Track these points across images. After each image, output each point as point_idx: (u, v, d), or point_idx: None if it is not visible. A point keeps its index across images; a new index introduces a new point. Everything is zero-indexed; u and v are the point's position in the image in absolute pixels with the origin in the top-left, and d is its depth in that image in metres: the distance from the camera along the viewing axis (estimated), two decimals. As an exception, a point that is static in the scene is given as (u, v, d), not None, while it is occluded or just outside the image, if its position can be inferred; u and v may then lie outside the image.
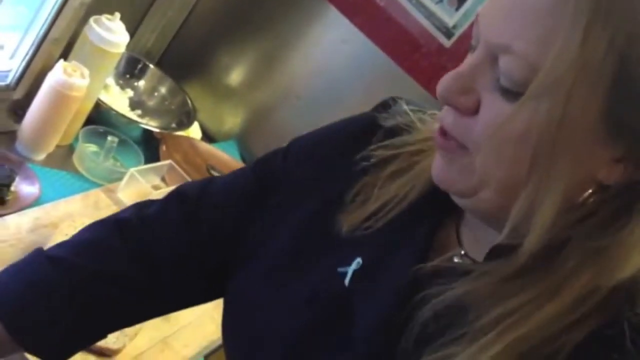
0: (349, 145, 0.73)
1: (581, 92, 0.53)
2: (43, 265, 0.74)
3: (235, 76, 1.92)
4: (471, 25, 1.59)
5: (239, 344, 0.75)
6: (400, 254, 0.66)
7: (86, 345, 0.79)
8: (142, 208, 0.81)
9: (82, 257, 0.75)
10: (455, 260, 0.66)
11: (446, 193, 0.63)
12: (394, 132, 0.72)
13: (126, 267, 0.76)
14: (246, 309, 0.74)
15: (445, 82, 0.59)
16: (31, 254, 0.77)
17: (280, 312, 0.71)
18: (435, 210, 0.68)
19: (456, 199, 0.63)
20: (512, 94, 0.55)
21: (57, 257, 0.75)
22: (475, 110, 0.58)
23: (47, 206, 1.26)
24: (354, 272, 0.67)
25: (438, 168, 0.62)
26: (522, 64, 0.54)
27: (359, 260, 0.67)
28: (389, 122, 0.73)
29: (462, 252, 0.66)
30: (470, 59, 0.59)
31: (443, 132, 0.60)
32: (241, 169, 0.84)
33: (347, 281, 0.67)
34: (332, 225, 0.70)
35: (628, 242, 0.56)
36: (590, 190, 0.58)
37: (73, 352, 0.77)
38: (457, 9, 1.60)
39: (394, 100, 0.76)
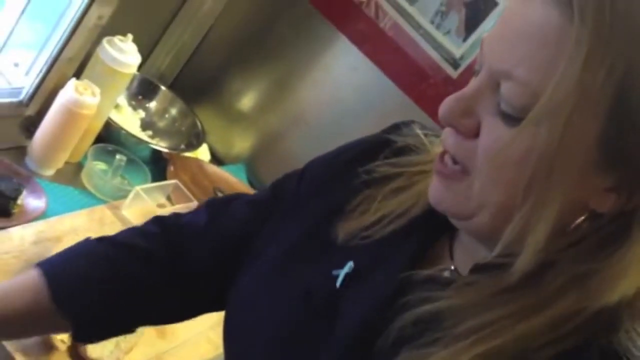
0: (357, 160, 0.77)
1: (579, 119, 0.55)
2: (91, 242, 0.85)
3: (246, 101, 1.95)
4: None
5: (234, 340, 0.79)
6: (392, 262, 0.69)
7: (111, 333, 0.87)
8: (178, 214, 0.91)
9: (124, 236, 0.86)
10: (445, 274, 0.68)
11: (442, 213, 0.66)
12: (402, 151, 0.76)
13: (163, 251, 0.84)
14: (243, 305, 0.78)
15: (447, 104, 0.61)
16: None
17: (273, 308, 0.75)
18: (431, 227, 0.70)
19: (452, 221, 0.65)
20: (512, 119, 0.57)
21: (103, 237, 0.86)
22: (475, 133, 0.60)
23: (52, 220, 1.28)
24: (346, 275, 0.71)
25: (435, 191, 0.64)
26: (523, 90, 0.56)
27: (351, 264, 0.71)
28: (399, 142, 0.76)
29: (452, 267, 0.68)
30: (473, 83, 0.61)
31: (442, 157, 0.63)
32: (264, 188, 0.90)
33: (338, 283, 0.71)
34: (331, 232, 0.74)
35: (616, 268, 0.58)
36: (582, 217, 0.59)
37: (98, 334, 0.84)
38: (464, 40, 1.62)
39: (406, 123, 0.80)
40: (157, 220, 0.88)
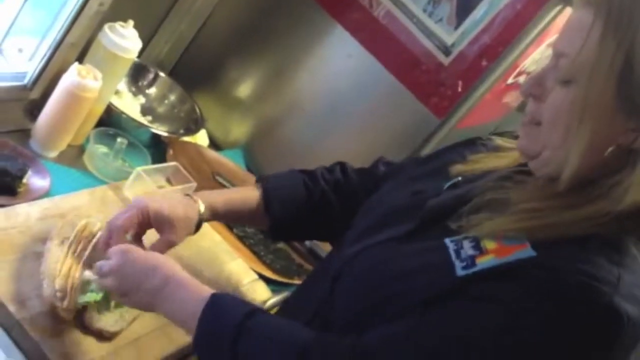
0: (463, 143, 1.19)
1: (599, 79, 0.83)
2: (295, 172, 1.38)
3: (244, 88, 2.00)
4: (469, 44, 1.66)
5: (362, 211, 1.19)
6: (484, 178, 1.01)
7: (294, 237, 1.59)
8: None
9: (319, 171, 1.36)
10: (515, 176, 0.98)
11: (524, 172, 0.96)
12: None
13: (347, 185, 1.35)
14: (381, 191, 1.23)
15: (526, 81, 0.93)
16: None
17: (392, 195, 1.16)
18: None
19: (530, 163, 0.94)
20: (564, 82, 0.87)
21: (304, 169, 1.38)
22: (544, 97, 0.90)
23: (56, 198, 1.32)
24: (453, 182, 1.06)
25: (520, 139, 0.96)
26: (569, 62, 0.86)
27: (459, 178, 1.06)
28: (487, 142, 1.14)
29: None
30: (546, 64, 0.91)
31: (527, 115, 0.93)
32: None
33: (445, 187, 1.06)
34: (452, 171, 1.09)
35: (634, 180, 0.84)
36: (611, 148, 0.86)
37: (290, 235, 1.45)
38: (455, 28, 1.67)
39: (480, 138, 1.16)
40: (340, 165, 1.38)
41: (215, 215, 1.27)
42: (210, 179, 1.79)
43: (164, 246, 1.17)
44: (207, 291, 1.01)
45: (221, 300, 1.00)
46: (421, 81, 1.74)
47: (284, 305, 1.35)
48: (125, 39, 1.50)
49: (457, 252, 0.90)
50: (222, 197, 1.29)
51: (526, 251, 0.86)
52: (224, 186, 1.77)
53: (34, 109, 1.51)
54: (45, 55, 1.48)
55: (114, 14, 1.51)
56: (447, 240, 0.93)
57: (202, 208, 1.22)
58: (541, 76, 0.91)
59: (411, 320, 0.88)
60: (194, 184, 1.56)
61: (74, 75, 1.41)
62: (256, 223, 1.37)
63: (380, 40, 1.77)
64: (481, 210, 0.93)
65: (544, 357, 0.82)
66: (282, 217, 1.31)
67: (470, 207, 0.94)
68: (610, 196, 0.85)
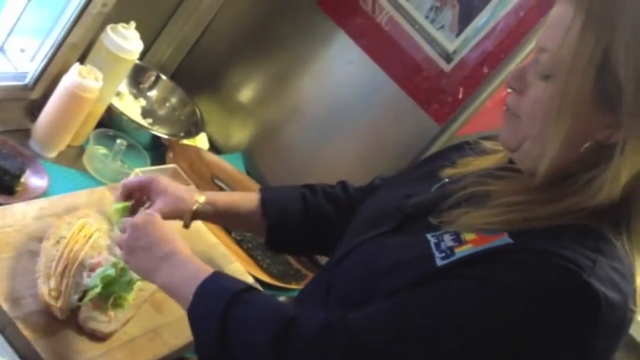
0: (452, 147, 1.21)
1: (578, 73, 0.84)
2: (295, 186, 1.37)
3: (245, 92, 2.00)
4: (470, 51, 1.66)
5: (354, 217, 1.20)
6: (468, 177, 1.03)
7: (290, 250, 1.52)
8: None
9: (320, 187, 1.36)
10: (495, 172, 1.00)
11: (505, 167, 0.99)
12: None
13: (345, 201, 1.34)
14: (373, 198, 1.23)
15: (511, 74, 0.94)
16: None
17: (387, 197, 1.16)
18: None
19: (513, 156, 0.97)
20: (544, 76, 0.88)
21: (306, 184, 1.37)
22: (524, 91, 0.92)
23: (54, 198, 1.32)
24: (441, 183, 1.07)
25: (502, 131, 0.98)
26: (549, 56, 0.87)
27: (446, 179, 1.07)
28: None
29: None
30: (528, 58, 0.93)
31: (507, 107, 0.95)
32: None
33: (433, 189, 1.07)
34: (441, 174, 1.10)
35: (609, 175, 0.86)
36: (588, 144, 0.88)
37: (283, 247, 1.41)
38: (457, 35, 1.67)
39: (468, 142, 1.16)
40: (341, 183, 1.38)
41: (214, 210, 1.28)
42: (209, 182, 1.78)
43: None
44: (211, 269, 1.03)
45: (223, 275, 1.03)
46: (422, 88, 1.73)
47: None
48: (127, 41, 1.50)
49: (437, 245, 0.92)
50: (223, 195, 1.36)
51: (503, 239, 0.88)
52: (222, 189, 1.77)
53: (35, 108, 1.51)
54: (46, 55, 1.49)
55: (117, 16, 1.52)
56: (429, 235, 0.95)
57: (201, 199, 1.27)
58: (523, 70, 0.92)
59: (396, 299, 0.90)
60: (192, 187, 1.56)
61: (74, 76, 1.41)
62: (253, 227, 1.36)
63: (382, 46, 1.77)
64: (462, 205, 0.95)
65: (524, 334, 0.83)
66: (278, 223, 1.32)
67: (452, 201, 0.96)
68: (586, 191, 0.87)
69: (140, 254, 1.07)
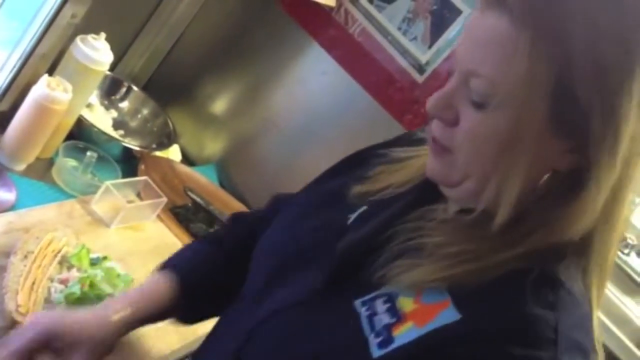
0: (380, 147, 1.00)
1: (530, 101, 0.70)
2: (203, 245, 1.13)
3: (218, 104, 1.99)
4: (443, 62, 1.67)
5: (257, 257, 1.00)
6: (393, 207, 0.87)
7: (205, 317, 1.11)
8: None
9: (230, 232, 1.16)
10: (434, 214, 0.84)
11: (436, 185, 0.82)
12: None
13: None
14: (271, 232, 1.01)
15: (432, 101, 0.76)
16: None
17: (293, 231, 0.96)
18: (427, 192, 0.86)
19: (444, 190, 0.81)
20: (480, 106, 0.72)
21: (213, 240, 1.15)
22: (456, 122, 0.75)
23: (22, 212, 1.30)
24: (359, 214, 0.91)
25: (430, 164, 0.80)
26: (486, 83, 0.71)
27: (365, 207, 0.91)
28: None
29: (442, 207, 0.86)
30: (449, 82, 0.76)
31: (434, 140, 0.78)
32: None
33: (351, 220, 0.90)
34: (352, 193, 0.94)
35: (574, 213, 0.73)
36: (547, 175, 0.75)
37: (203, 315, 1.10)
38: (429, 47, 1.68)
39: (370, 151, 1.01)
40: (237, 217, 1.20)
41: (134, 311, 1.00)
42: (182, 194, 1.77)
43: None
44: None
45: None
46: (396, 98, 1.74)
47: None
48: (97, 52, 1.48)
49: (371, 321, 0.77)
50: (133, 293, 1.04)
51: (449, 313, 0.74)
52: (195, 201, 1.75)
53: (3, 120, 1.48)
54: (15, 66, 1.46)
55: (87, 27, 1.50)
56: (358, 303, 0.79)
57: (116, 316, 0.97)
58: (449, 97, 0.75)
59: None
60: (164, 199, 1.54)
61: (43, 87, 1.39)
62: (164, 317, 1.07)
63: (355, 57, 1.77)
64: (397, 258, 0.79)
65: None
66: (195, 284, 1.07)
67: (386, 257, 0.80)
68: (554, 226, 0.74)
69: None
